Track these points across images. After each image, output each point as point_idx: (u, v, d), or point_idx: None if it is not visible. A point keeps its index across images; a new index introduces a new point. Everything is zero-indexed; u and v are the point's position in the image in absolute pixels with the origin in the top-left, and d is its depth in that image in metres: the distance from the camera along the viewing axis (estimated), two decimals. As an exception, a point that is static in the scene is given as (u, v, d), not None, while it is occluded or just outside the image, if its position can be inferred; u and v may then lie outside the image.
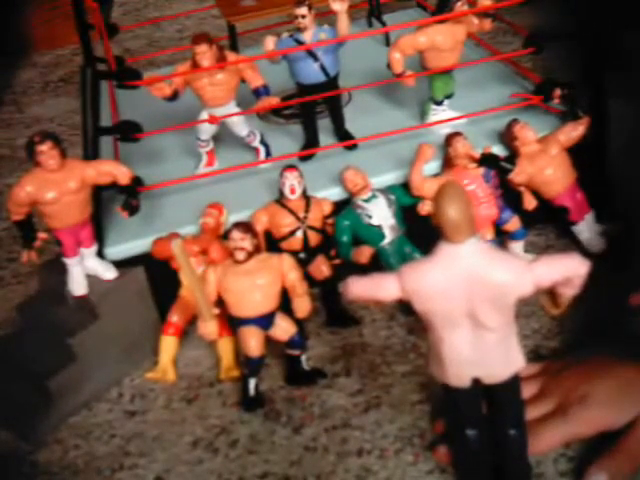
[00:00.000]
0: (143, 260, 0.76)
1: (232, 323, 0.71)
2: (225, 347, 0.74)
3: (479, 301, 0.52)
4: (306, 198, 0.76)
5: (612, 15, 0.76)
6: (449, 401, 0.58)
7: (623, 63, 0.77)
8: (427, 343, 0.56)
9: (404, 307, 0.78)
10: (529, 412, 0.59)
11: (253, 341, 0.69)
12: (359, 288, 0.55)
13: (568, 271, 0.53)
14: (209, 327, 0.69)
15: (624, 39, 0.77)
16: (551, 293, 0.56)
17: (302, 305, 0.71)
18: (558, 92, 0.81)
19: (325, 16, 0.82)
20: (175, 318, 0.75)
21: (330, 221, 0.78)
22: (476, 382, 0.56)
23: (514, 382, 0.56)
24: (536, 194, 0.80)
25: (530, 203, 0.80)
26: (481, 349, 0.54)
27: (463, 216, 0.51)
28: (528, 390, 0.62)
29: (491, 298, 0.52)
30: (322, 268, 0.77)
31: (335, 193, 0.79)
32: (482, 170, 0.77)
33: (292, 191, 0.75)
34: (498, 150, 0.79)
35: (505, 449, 0.58)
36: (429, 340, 0.56)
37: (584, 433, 0.61)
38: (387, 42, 1.02)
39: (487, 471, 0.58)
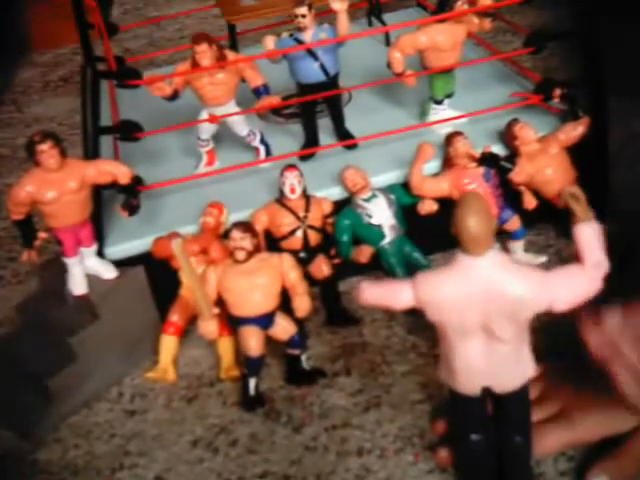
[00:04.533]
0: (143, 260, 0.76)
1: (232, 323, 0.71)
2: (225, 347, 0.74)
3: (494, 314, 0.52)
4: (306, 197, 0.76)
5: (612, 14, 0.76)
6: (456, 407, 0.57)
7: (623, 62, 0.77)
8: (440, 350, 0.56)
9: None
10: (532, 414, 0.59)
11: (253, 341, 0.69)
12: (372, 295, 0.55)
13: (587, 296, 0.53)
14: (209, 327, 0.69)
15: (624, 38, 0.77)
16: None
17: (302, 304, 0.71)
18: (558, 91, 0.81)
19: (325, 15, 0.82)
20: (175, 317, 0.75)
21: (330, 220, 0.78)
22: (485, 390, 0.55)
23: (523, 390, 0.56)
24: (536, 193, 0.80)
25: (530, 202, 0.80)
26: (493, 360, 0.54)
27: (483, 229, 0.50)
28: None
29: (506, 312, 0.52)
30: (322, 267, 0.77)
31: (335, 192, 0.79)
32: (482, 169, 0.77)
33: (292, 190, 0.75)
34: (498, 149, 0.80)
35: (509, 455, 0.57)
36: (441, 347, 0.55)
37: (589, 438, 0.61)
38: (387, 42, 1.02)
39: (490, 475, 0.58)
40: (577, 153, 0.79)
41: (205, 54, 0.76)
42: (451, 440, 0.61)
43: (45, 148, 0.67)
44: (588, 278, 0.53)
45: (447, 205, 0.78)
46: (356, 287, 0.55)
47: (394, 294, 0.54)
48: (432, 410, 0.67)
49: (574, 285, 0.53)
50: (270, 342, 0.71)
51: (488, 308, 0.52)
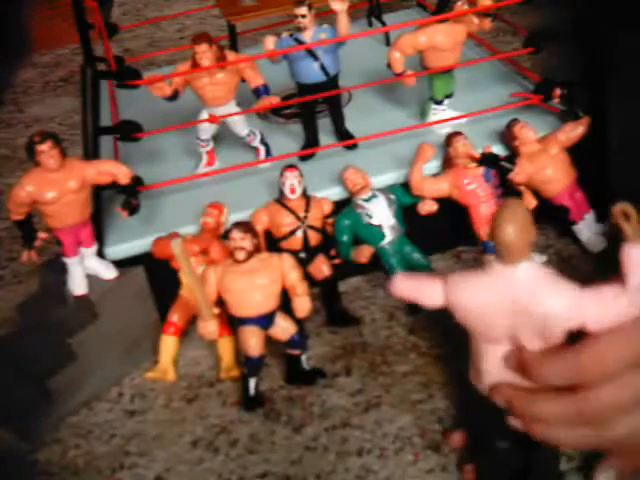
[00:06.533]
0: (143, 260, 0.76)
1: (232, 323, 0.71)
2: (225, 347, 0.74)
3: (522, 327, 0.51)
4: (306, 198, 0.76)
5: (612, 14, 0.76)
6: (481, 410, 0.57)
7: (623, 63, 0.77)
8: (470, 350, 0.55)
9: (405, 307, 0.78)
10: None
11: (253, 341, 0.69)
12: (404, 288, 0.54)
13: (622, 319, 0.50)
14: (209, 327, 0.69)
15: (624, 39, 0.77)
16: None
17: (302, 305, 0.71)
18: (558, 92, 0.81)
19: (325, 16, 0.82)
20: (175, 318, 0.75)
21: (330, 221, 0.78)
22: None
23: None
24: (536, 194, 0.80)
25: (530, 203, 0.80)
26: None
27: (518, 238, 0.49)
28: None
29: (535, 326, 0.51)
30: (322, 268, 0.77)
31: (335, 193, 0.79)
32: (482, 169, 0.77)
33: (292, 191, 0.75)
34: (498, 150, 0.80)
35: (536, 464, 0.56)
36: (470, 347, 0.55)
37: None
38: (387, 42, 1.02)
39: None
40: (577, 153, 0.79)
41: (205, 54, 0.76)
42: (474, 448, 0.60)
43: (45, 148, 0.67)
44: (627, 301, 0.50)
45: (447, 205, 0.78)
46: (392, 278, 0.54)
47: (425, 291, 0.53)
48: (449, 425, 0.65)
49: (610, 306, 0.50)
50: (270, 342, 0.71)
51: (517, 320, 0.51)
